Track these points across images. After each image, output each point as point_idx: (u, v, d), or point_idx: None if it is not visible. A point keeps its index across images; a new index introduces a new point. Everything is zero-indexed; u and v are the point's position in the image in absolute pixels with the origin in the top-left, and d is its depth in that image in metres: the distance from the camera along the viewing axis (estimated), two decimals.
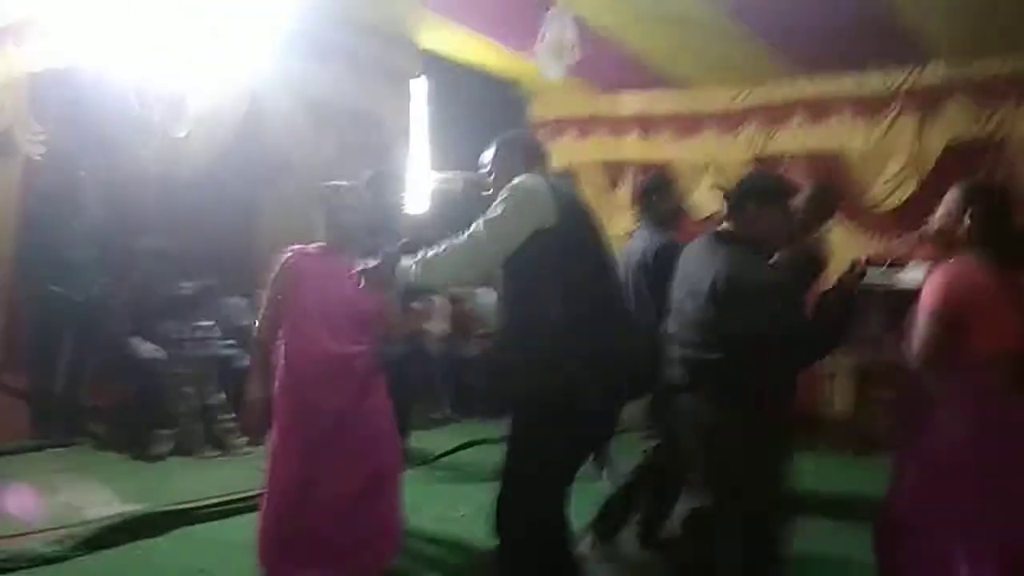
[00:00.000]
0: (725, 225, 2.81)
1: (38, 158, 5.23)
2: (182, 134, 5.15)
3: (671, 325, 2.81)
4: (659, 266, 3.20)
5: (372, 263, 2.42)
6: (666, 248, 3.27)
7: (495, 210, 2.34)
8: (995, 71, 5.48)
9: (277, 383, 2.91)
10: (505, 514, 2.40)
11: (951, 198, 2.43)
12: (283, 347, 2.92)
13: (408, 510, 3.74)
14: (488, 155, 2.64)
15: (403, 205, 4.22)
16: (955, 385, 2.33)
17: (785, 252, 3.21)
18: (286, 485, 2.84)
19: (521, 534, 2.39)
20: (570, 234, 2.34)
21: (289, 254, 2.98)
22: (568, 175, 2.78)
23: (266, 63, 5.42)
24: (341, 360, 2.89)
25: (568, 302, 2.33)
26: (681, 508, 2.91)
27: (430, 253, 2.36)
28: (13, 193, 5.61)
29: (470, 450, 5.38)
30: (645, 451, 3.48)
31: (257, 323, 3.04)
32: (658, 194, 3.65)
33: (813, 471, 4.75)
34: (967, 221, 2.35)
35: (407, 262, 2.37)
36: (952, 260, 2.34)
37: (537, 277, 2.36)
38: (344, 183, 3.10)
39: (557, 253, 2.33)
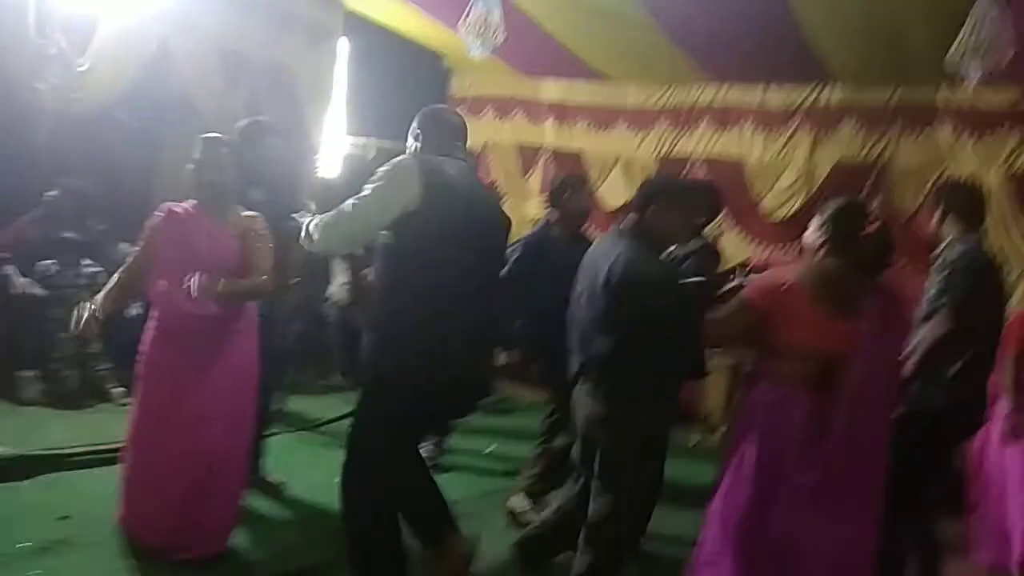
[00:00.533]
0: (630, 221, 2.95)
1: None
2: (82, 68, 4.91)
3: (569, 317, 2.95)
4: None
5: (200, 281, 2.75)
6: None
7: (369, 184, 2.48)
8: (884, 100, 5.85)
9: (143, 339, 3.01)
10: (345, 481, 2.54)
11: (817, 217, 2.76)
12: (150, 304, 3.00)
13: (285, 473, 3.80)
14: (412, 126, 2.71)
15: (308, 163, 4.18)
16: (750, 374, 2.76)
17: (679, 248, 3.41)
18: (137, 441, 2.91)
19: (356, 504, 2.53)
20: (432, 219, 2.44)
21: (159, 212, 3.02)
22: (470, 158, 2.83)
23: (178, 6, 5.25)
24: (199, 320, 2.89)
25: (418, 286, 2.46)
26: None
27: (325, 217, 2.47)
28: None
29: None
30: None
31: (130, 259, 3.11)
32: (571, 192, 3.80)
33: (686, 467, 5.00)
34: (823, 236, 2.70)
35: (308, 221, 2.51)
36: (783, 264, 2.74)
37: (397, 256, 2.50)
38: (214, 135, 3.08)
39: (415, 236, 2.45)
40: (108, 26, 5.05)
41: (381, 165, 2.58)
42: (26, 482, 3.52)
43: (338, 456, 2.61)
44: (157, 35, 5.28)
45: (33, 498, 3.41)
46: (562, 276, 3.08)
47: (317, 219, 2.51)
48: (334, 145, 6.94)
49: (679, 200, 2.95)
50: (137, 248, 3.07)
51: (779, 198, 6.29)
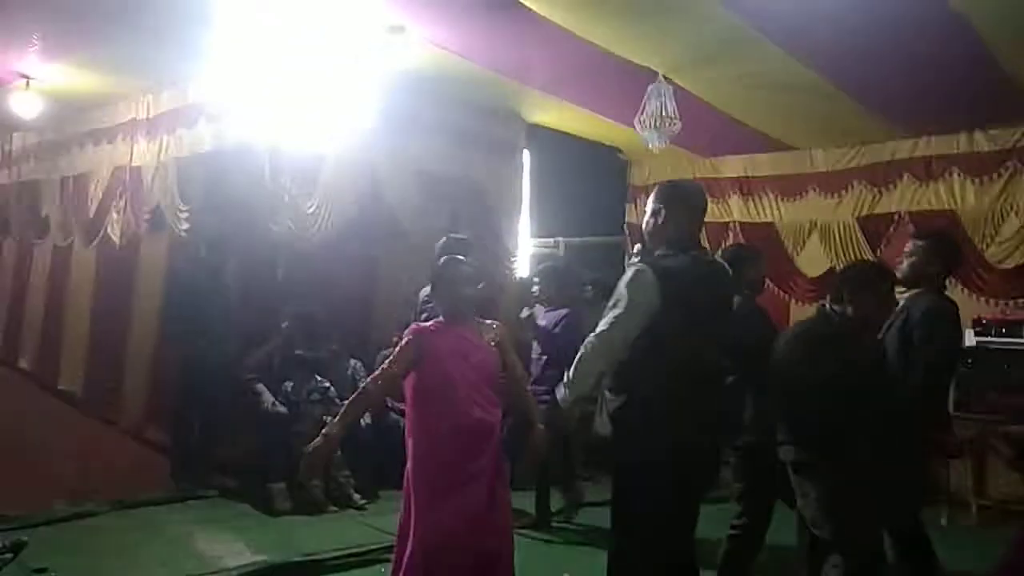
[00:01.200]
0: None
1: (184, 234, 5.80)
2: (311, 208, 5.58)
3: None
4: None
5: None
6: None
7: (609, 305, 2.59)
8: None
9: (411, 458, 2.97)
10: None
11: None
12: (415, 420, 2.99)
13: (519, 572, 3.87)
14: (652, 203, 2.80)
15: (509, 269, 4.47)
16: None
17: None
18: (434, 541, 2.85)
19: None
20: (670, 324, 2.54)
21: (414, 329, 3.08)
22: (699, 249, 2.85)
23: (384, 140, 5.82)
24: (485, 426, 2.96)
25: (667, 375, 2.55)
26: None
27: (577, 363, 2.61)
28: (162, 265, 6.22)
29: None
30: None
31: (369, 383, 3.04)
32: (749, 263, 3.73)
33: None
34: None
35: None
36: None
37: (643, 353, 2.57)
38: (459, 257, 3.24)
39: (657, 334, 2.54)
40: (327, 169, 5.69)
41: (570, 259, 2.77)
42: None
43: (563, 551, 2.68)
44: (369, 168, 5.87)
45: None
46: None
47: (567, 378, 2.63)
48: (523, 247, 7.28)
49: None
50: (394, 361, 3.00)
51: (1004, 247, 5.77)
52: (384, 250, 6.21)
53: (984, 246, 5.87)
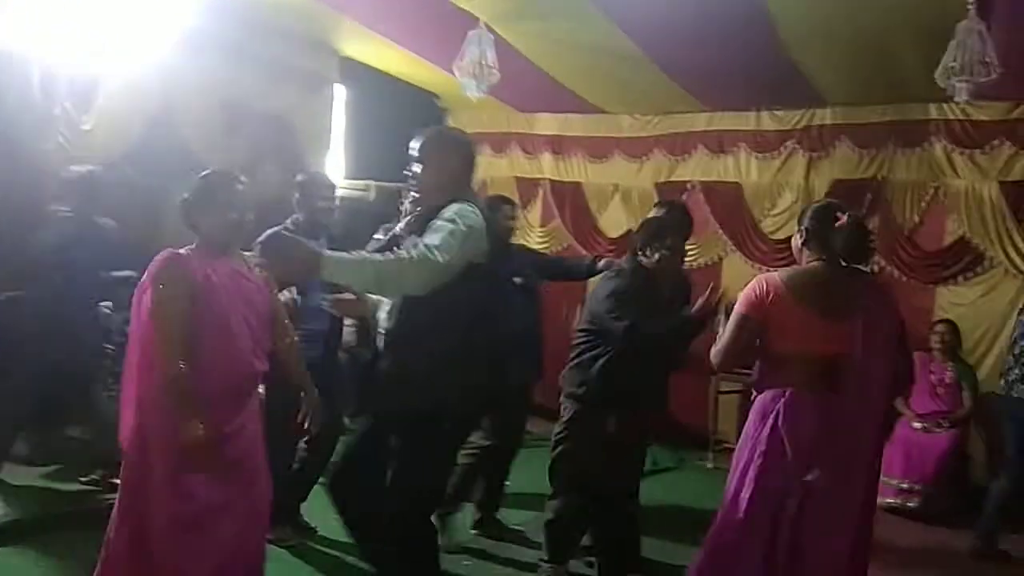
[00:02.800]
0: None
1: None
2: (87, 127, 5.00)
3: None
4: None
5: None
6: None
7: (445, 235, 2.35)
8: (876, 118, 5.95)
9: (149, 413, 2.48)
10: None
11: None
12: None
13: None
14: (417, 149, 2.61)
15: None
16: (757, 382, 2.82)
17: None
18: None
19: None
20: (487, 268, 2.49)
21: (171, 256, 2.52)
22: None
23: (179, 61, 5.34)
24: (257, 379, 2.66)
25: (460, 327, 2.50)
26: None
27: (378, 259, 2.30)
28: None
29: None
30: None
31: (165, 362, 2.43)
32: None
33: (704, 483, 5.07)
34: (801, 237, 2.86)
35: (350, 257, 2.29)
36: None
37: (448, 301, 2.42)
38: (223, 170, 2.74)
39: (468, 282, 2.44)
40: (111, 84, 5.13)
41: (381, 205, 2.67)
42: None
43: None
44: (159, 91, 5.37)
45: None
46: None
47: (359, 254, 2.34)
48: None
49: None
50: (168, 303, 2.45)
51: (778, 219, 6.36)
52: (175, 180, 5.69)
53: (761, 217, 6.43)
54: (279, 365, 2.82)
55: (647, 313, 3.19)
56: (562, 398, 3.55)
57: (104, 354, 4.42)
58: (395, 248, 2.46)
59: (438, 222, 2.41)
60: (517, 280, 3.92)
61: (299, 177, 4.13)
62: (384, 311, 2.62)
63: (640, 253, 3.35)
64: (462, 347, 2.49)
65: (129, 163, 5.23)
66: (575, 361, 3.45)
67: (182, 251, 2.56)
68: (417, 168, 2.61)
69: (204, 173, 2.67)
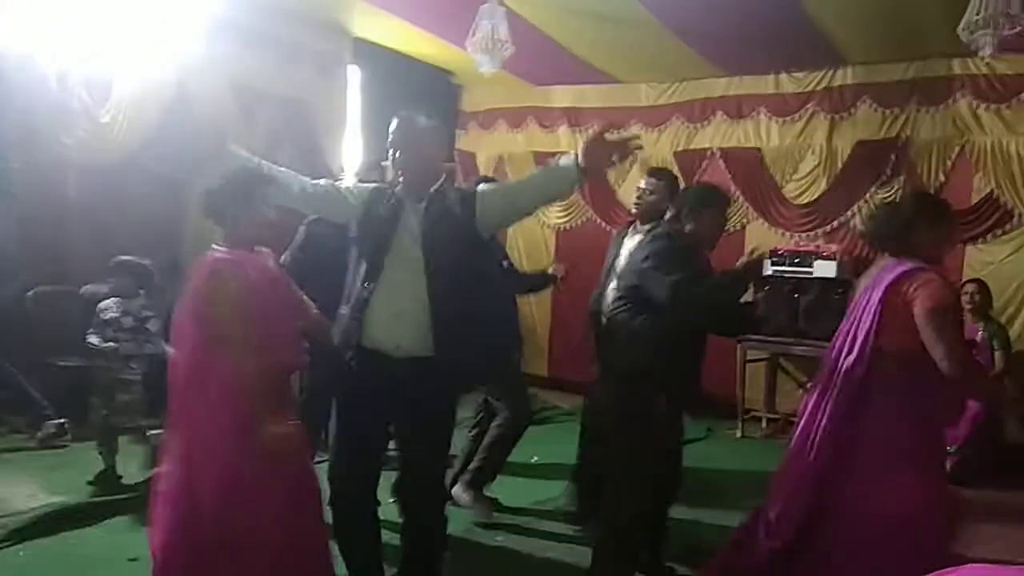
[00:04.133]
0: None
1: None
2: (105, 119, 5.04)
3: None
4: None
5: None
6: None
7: None
8: (899, 77, 5.83)
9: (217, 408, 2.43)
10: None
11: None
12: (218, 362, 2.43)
13: None
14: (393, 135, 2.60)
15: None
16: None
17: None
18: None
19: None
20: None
21: (220, 260, 2.46)
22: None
23: (193, 48, 5.36)
24: (293, 368, 2.71)
25: None
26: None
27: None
28: None
29: None
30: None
31: (240, 362, 2.39)
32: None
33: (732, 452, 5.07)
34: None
35: None
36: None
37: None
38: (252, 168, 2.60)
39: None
40: (126, 76, 5.17)
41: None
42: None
43: None
44: (173, 80, 5.39)
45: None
46: None
47: None
48: (352, 170, 7.01)
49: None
50: (228, 306, 2.41)
51: (801, 183, 6.28)
52: (195, 171, 5.74)
53: (783, 182, 6.35)
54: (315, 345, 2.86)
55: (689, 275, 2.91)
56: (601, 377, 3.25)
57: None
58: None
59: None
60: (505, 263, 3.94)
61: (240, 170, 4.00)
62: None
63: (675, 221, 3.18)
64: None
65: (147, 153, 5.26)
66: (618, 334, 3.07)
67: (220, 254, 2.48)
68: (396, 153, 2.59)
69: (233, 167, 2.56)
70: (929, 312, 2.37)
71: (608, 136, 2.43)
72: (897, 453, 2.45)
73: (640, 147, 2.52)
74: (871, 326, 2.48)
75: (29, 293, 4.97)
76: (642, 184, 3.68)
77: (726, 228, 3.37)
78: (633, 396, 2.93)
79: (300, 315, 2.70)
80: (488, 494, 4.02)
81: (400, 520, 2.69)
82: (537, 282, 4.66)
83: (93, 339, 4.21)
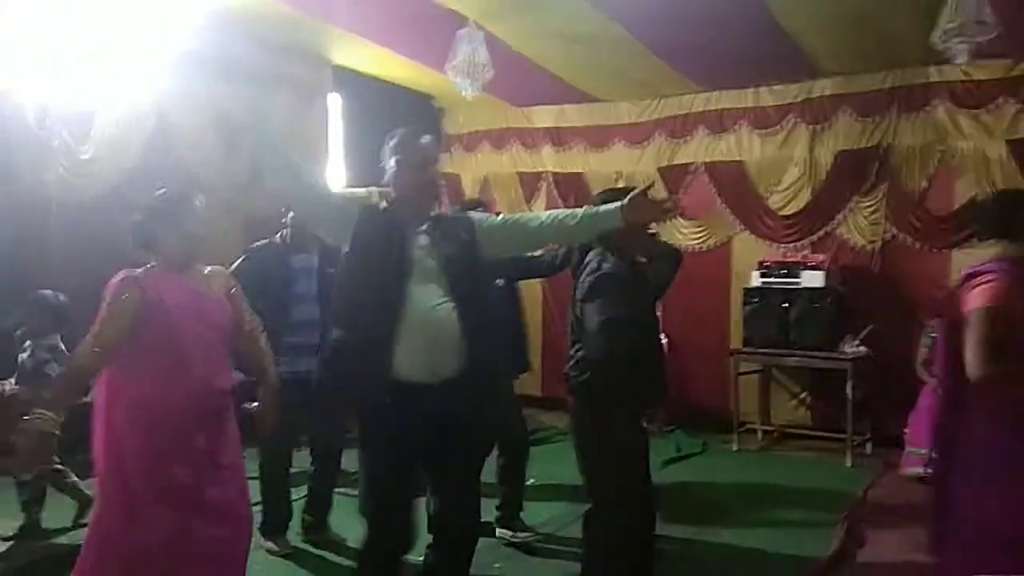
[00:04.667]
0: None
1: None
2: (86, 156, 5.00)
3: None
4: None
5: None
6: None
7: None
8: (877, 86, 5.88)
9: (115, 438, 2.42)
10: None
11: None
12: (126, 392, 2.44)
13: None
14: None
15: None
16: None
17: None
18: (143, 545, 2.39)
19: None
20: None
21: (126, 276, 2.47)
22: None
23: (171, 82, 5.35)
24: (224, 395, 2.58)
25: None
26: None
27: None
28: None
29: None
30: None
31: (80, 350, 2.41)
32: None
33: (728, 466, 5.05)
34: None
35: None
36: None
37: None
38: (187, 190, 2.70)
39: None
40: (106, 112, 5.14)
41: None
42: None
43: None
44: (154, 113, 5.38)
45: None
46: None
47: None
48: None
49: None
50: (112, 317, 2.40)
51: (785, 194, 6.30)
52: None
53: (768, 194, 6.37)
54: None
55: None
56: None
57: None
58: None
59: None
60: (499, 281, 3.88)
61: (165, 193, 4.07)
62: None
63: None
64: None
65: (128, 187, 5.22)
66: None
67: (137, 271, 2.51)
68: (399, 173, 2.55)
69: (158, 192, 2.63)
70: (970, 313, 2.32)
71: (651, 194, 2.40)
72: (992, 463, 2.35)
73: (680, 208, 2.55)
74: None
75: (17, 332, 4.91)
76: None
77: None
78: (595, 415, 2.88)
79: (234, 338, 2.65)
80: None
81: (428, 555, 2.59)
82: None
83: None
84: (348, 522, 3.83)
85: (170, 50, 5.26)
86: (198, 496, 2.45)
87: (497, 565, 3.66)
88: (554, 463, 4.77)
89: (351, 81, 6.77)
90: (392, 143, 2.56)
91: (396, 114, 7.05)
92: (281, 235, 3.89)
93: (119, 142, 5.19)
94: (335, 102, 6.83)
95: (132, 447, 2.41)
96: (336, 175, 6.91)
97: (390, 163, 2.55)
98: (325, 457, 3.85)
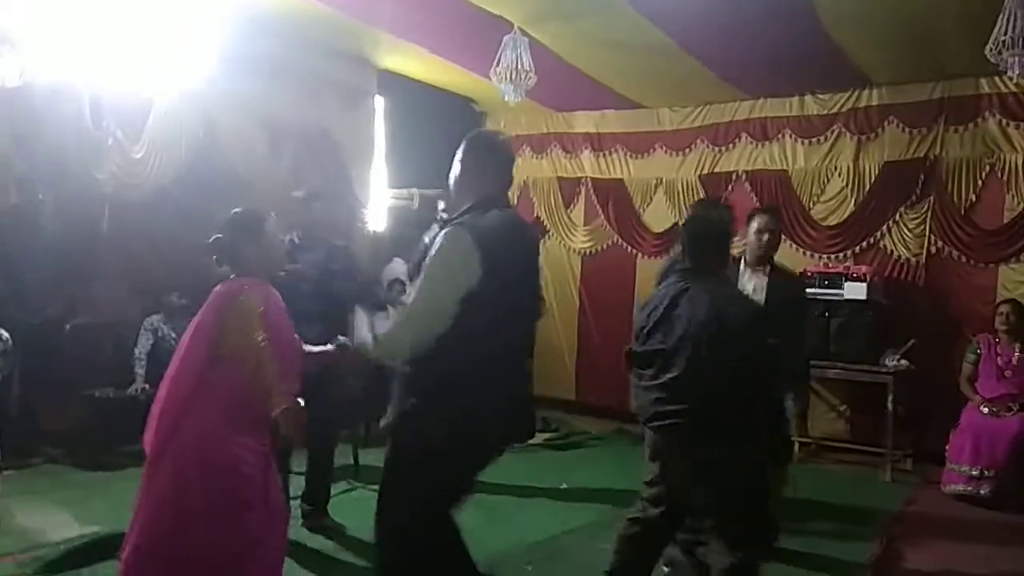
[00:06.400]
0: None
1: None
2: (139, 154, 5.14)
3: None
4: None
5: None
6: None
7: (427, 272, 2.30)
8: (925, 96, 5.79)
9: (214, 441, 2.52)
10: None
11: None
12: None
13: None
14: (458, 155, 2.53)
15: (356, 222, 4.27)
16: None
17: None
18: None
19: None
20: (491, 293, 2.28)
21: (247, 287, 2.60)
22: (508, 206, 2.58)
23: (221, 82, 5.45)
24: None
25: (467, 350, 2.29)
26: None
27: (395, 322, 2.32)
28: None
29: None
30: None
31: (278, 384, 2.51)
32: None
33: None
34: None
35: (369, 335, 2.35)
36: None
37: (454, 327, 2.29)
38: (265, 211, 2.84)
39: (473, 310, 2.27)
40: (157, 112, 5.27)
41: (426, 213, 2.58)
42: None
43: None
44: (203, 115, 5.50)
45: None
46: None
47: (386, 328, 2.33)
48: (379, 199, 7.09)
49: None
50: (262, 331, 2.52)
51: (829, 205, 6.23)
52: (223, 203, 5.82)
53: (811, 204, 6.31)
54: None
55: None
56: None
57: None
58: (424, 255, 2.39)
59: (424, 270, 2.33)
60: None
61: (296, 193, 4.23)
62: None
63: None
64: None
65: (177, 187, 5.36)
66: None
67: (242, 282, 2.63)
68: (455, 171, 2.56)
69: (235, 211, 2.79)
70: None
71: None
72: None
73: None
74: None
75: (67, 327, 5.08)
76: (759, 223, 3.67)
77: None
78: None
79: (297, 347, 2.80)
80: None
81: None
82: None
83: None
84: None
85: (217, 51, 5.36)
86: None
87: (528, 567, 3.68)
88: (585, 469, 4.78)
89: (395, 84, 6.86)
90: (468, 145, 2.56)
91: (438, 116, 7.15)
92: (291, 236, 3.96)
93: (170, 143, 5.31)
94: (380, 104, 6.92)
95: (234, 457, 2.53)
96: (381, 177, 7.00)
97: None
98: (323, 447, 3.95)
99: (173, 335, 5.07)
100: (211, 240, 2.73)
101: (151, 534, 2.47)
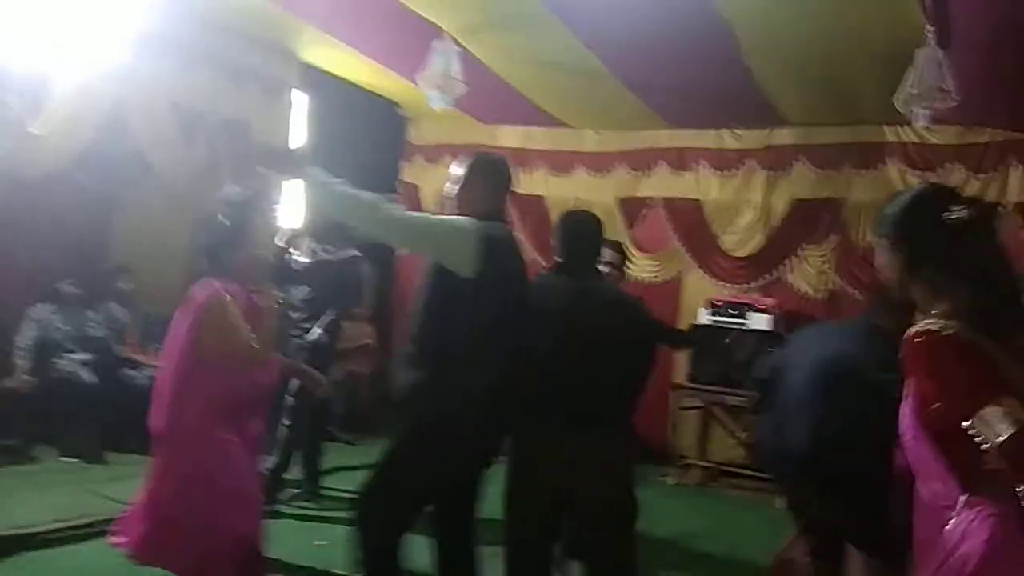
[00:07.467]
0: None
1: None
2: (37, 131, 4.81)
3: None
4: None
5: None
6: None
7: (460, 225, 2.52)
8: (834, 140, 6.06)
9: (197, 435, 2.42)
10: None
11: None
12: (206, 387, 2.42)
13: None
14: (462, 172, 2.72)
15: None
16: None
17: None
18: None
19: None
20: (488, 292, 2.49)
21: (219, 290, 2.41)
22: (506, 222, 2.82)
23: (132, 64, 5.18)
24: (268, 388, 2.67)
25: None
26: None
27: (393, 213, 2.52)
28: None
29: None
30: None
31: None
32: None
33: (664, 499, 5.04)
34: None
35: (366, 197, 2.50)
36: None
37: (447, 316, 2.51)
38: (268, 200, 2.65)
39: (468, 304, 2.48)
40: (61, 87, 4.95)
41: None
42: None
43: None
44: (111, 94, 5.19)
45: None
46: None
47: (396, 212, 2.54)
48: (296, 196, 6.87)
49: None
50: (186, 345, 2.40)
51: (738, 236, 6.42)
52: (127, 187, 5.53)
53: (722, 234, 6.49)
54: None
55: None
56: None
57: None
58: None
59: None
60: None
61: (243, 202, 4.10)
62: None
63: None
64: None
65: (79, 169, 5.05)
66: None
67: (218, 284, 2.45)
68: (455, 187, 2.72)
69: (233, 199, 2.52)
70: None
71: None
72: None
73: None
74: None
75: None
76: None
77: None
78: None
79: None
80: None
81: None
82: None
83: None
84: None
85: (132, 28, 5.09)
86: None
87: None
88: None
89: (319, 80, 6.69)
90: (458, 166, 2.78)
91: (362, 118, 7.02)
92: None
93: (73, 120, 4.98)
94: (301, 100, 6.72)
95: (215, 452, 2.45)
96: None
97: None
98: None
99: (64, 327, 4.78)
100: (200, 230, 2.61)
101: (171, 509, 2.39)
